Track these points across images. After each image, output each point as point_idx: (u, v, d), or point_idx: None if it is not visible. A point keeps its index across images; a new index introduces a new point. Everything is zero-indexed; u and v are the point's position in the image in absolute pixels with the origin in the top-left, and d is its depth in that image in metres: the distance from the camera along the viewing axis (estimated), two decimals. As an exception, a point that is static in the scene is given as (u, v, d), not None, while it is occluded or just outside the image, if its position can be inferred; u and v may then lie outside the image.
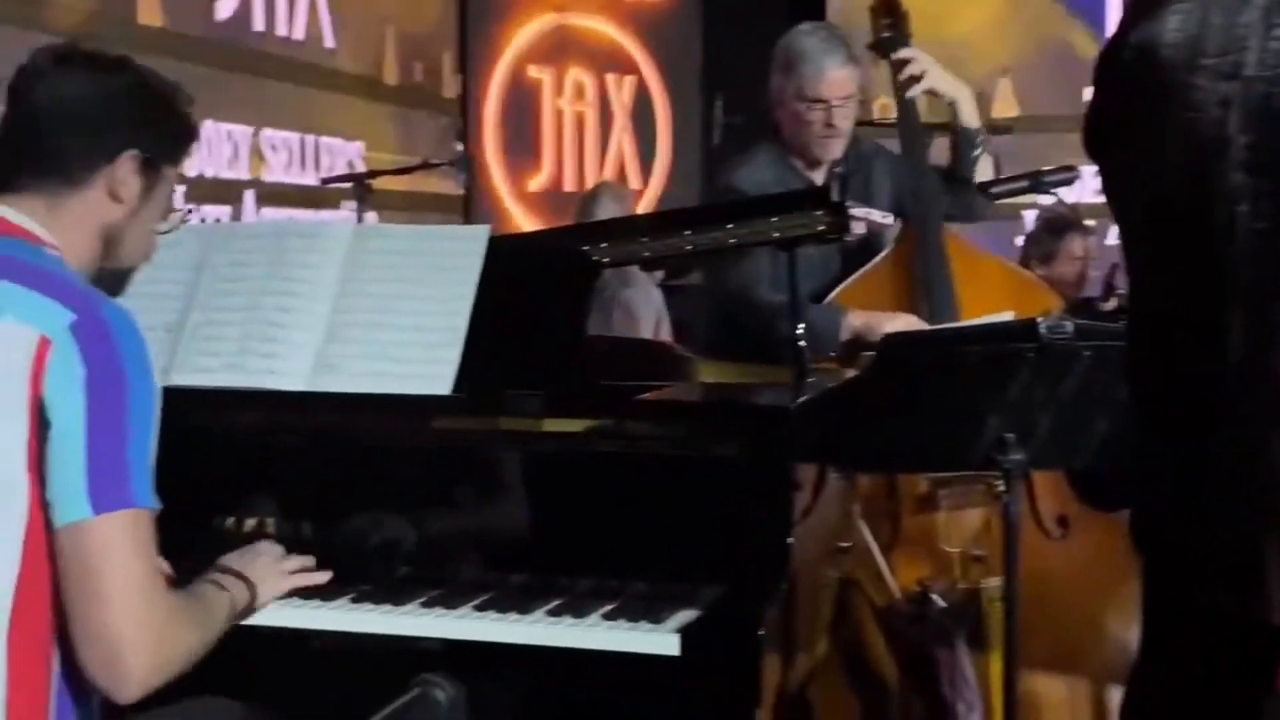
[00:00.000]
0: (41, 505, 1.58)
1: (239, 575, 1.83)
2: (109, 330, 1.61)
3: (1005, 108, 6.50)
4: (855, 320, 2.98)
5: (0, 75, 1.78)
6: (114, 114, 1.75)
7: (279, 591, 1.90)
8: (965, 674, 2.65)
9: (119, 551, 1.57)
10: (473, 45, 6.55)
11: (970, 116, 3.19)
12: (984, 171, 3.20)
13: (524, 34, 6.72)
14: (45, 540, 1.59)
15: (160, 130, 1.79)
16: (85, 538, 1.56)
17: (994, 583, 2.69)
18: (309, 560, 1.94)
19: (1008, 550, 2.23)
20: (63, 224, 1.72)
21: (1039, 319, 2.19)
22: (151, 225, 1.82)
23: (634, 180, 6.86)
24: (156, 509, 1.61)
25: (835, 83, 3.10)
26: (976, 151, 3.18)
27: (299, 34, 5.17)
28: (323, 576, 1.93)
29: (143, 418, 1.61)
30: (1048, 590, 2.58)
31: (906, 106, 3.18)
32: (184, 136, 1.84)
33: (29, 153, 1.73)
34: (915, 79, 3.12)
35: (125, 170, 1.74)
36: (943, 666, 2.67)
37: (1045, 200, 4.22)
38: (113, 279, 1.81)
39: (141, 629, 1.56)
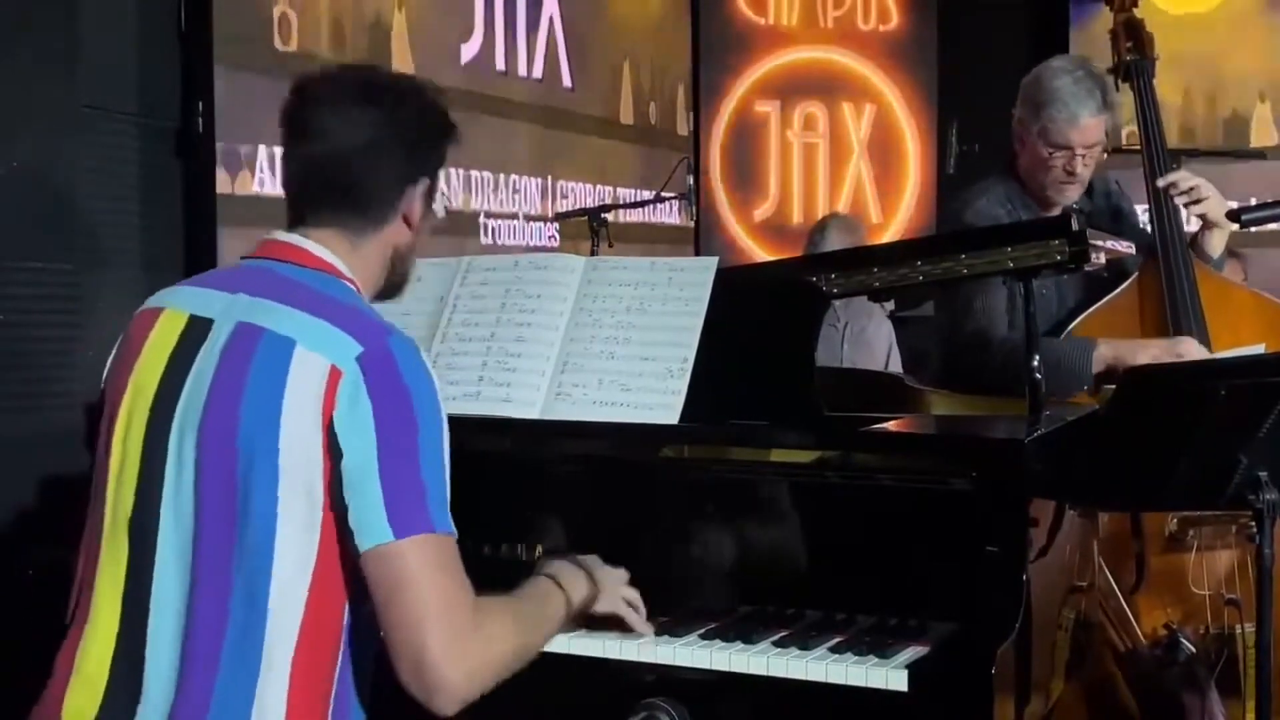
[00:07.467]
0: (333, 530, 1.63)
1: (587, 572, 1.91)
2: (394, 361, 1.65)
3: (1263, 134, 6.20)
4: (1107, 351, 2.88)
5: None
6: (410, 146, 1.80)
7: (614, 609, 1.97)
8: (1217, 722, 2.53)
9: (423, 572, 1.61)
10: (705, 81, 6.61)
11: (1218, 247, 3.10)
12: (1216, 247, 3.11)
13: (755, 67, 6.76)
14: (335, 564, 1.64)
15: (440, 150, 1.86)
16: (389, 561, 1.61)
17: (1250, 628, 2.57)
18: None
19: (1260, 595, 2.11)
20: (363, 257, 1.80)
21: (1296, 351, 2.07)
22: (423, 236, 1.87)
23: (872, 211, 6.81)
24: (455, 535, 1.65)
25: (1085, 130, 2.99)
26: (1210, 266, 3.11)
27: (537, 73, 5.33)
28: (643, 624, 2.00)
29: (433, 445, 1.65)
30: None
31: (1153, 133, 3.08)
32: (449, 147, 1.88)
33: (334, 190, 1.78)
34: (1197, 201, 3.01)
35: (419, 196, 1.82)
36: (1192, 713, 2.55)
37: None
38: (388, 288, 1.88)
39: (450, 645, 1.60)
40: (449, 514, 1.65)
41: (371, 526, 1.61)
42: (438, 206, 1.87)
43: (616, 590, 1.99)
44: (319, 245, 1.78)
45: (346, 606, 1.66)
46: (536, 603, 1.82)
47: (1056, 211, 3.09)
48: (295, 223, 1.81)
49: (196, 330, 1.73)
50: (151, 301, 1.81)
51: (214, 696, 1.62)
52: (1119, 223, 3.14)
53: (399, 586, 1.60)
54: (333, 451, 1.62)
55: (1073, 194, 3.06)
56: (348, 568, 1.65)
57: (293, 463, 1.62)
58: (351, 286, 1.78)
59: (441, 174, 1.87)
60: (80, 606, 1.73)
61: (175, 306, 1.77)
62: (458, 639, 1.61)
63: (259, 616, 1.62)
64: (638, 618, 2.00)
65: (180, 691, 1.63)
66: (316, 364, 1.64)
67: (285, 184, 1.84)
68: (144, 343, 1.75)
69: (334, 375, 1.63)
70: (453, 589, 1.63)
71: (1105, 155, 3.07)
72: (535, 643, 1.75)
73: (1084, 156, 3.00)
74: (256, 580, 1.62)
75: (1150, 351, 2.85)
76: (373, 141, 1.77)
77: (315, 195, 1.80)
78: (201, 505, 1.65)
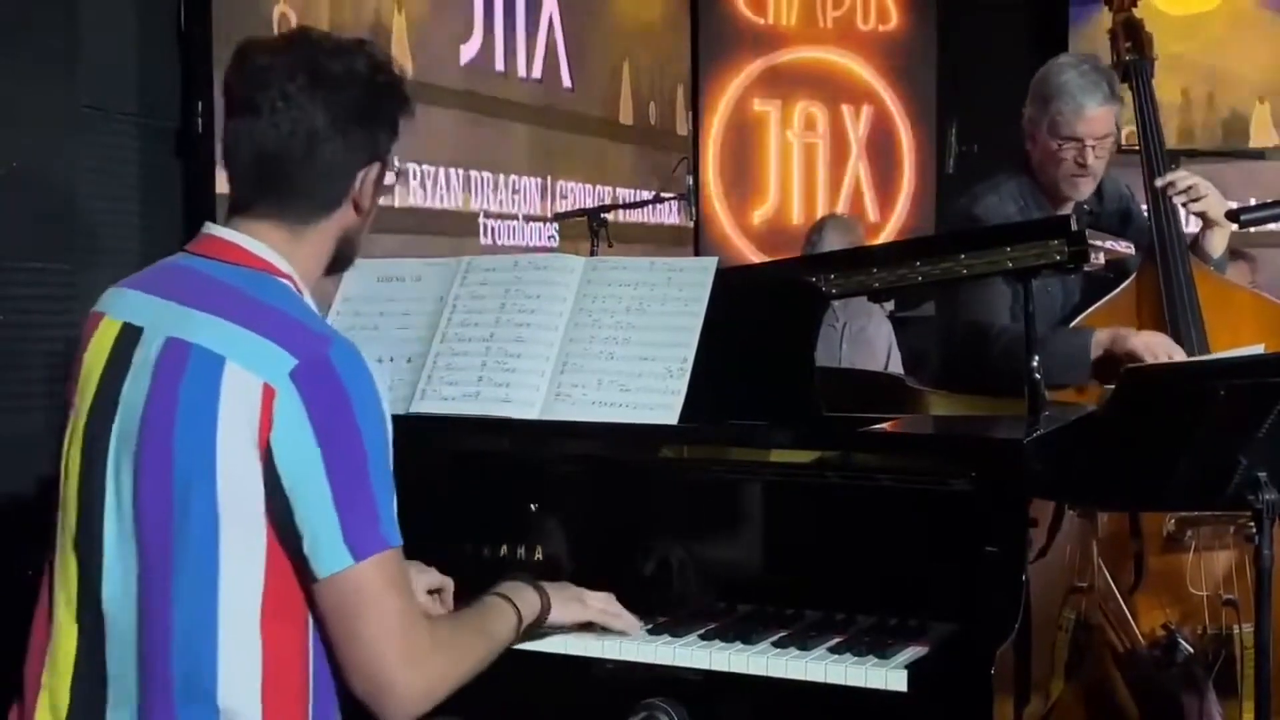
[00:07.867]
0: (282, 557, 1.60)
1: (537, 588, 1.90)
2: (333, 371, 1.60)
3: (1262, 135, 6.20)
4: (1103, 336, 2.90)
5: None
6: (361, 131, 1.73)
7: (577, 618, 1.96)
8: (1215, 723, 2.53)
9: (379, 593, 1.60)
10: (704, 82, 6.61)
11: (1219, 246, 3.10)
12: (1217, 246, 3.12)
13: (752, 68, 6.75)
14: (289, 589, 1.61)
15: (393, 130, 1.78)
16: (348, 585, 1.59)
17: (1248, 628, 2.57)
18: (614, 602, 2.01)
19: (1258, 595, 2.11)
20: (308, 244, 1.73)
21: (1295, 351, 2.08)
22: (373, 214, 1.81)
23: (870, 211, 6.81)
24: (401, 543, 1.64)
25: (1092, 121, 3.01)
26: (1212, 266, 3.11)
27: (537, 73, 5.33)
28: (626, 623, 1.99)
29: (380, 455, 1.62)
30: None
31: (1151, 133, 3.09)
32: (402, 123, 1.80)
33: (281, 180, 1.71)
34: (1195, 200, 3.02)
35: (369, 180, 1.76)
36: (1190, 714, 2.56)
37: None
38: (333, 266, 1.81)
39: (405, 662, 1.60)
40: (396, 523, 1.63)
41: (328, 553, 1.58)
42: (390, 177, 1.81)
43: (582, 599, 1.98)
44: (256, 240, 1.71)
45: (310, 627, 1.63)
46: (483, 618, 1.81)
47: (1068, 208, 3.10)
48: (236, 208, 1.75)
49: (128, 339, 1.68)
50: (98, 305, 1.77)
51: None
52: (1127, 226, 3.15)
53: (359, 608, 1.59)
54: (272, 475, 1.58)
55: (1086, 187, 3.07)
56: (305, 589, 1.62)
57: (231, 491, 1.58)
58: (288, 283, 1.71)
59: (394, 152, 1.79)
60: (41, 622, 1.71)
61: (112, 314, 1.73)
62: (416, 657, 1.61)
63: (209, 650, 1.59)
64: (617, 620, 2.00)
65: (141, 715, 1.61)
66: (249, 383, 1.58)
67: (228, 159, 1.75)
68: (86, 351, 1.72)
69: (268, 395, 1.58)
70: (407, 606, 1.63)
71: (1116, 149, 3.09)
72: (483, 656, 1.74)
73: (1094, 148, 3.02)
74: (202, 611, 1.59)
75: (1143, 338, 2.87)
76: (323, 130, 1.69)
77: (261, 182, 1.72)
78: (142, 534, 1.62)
